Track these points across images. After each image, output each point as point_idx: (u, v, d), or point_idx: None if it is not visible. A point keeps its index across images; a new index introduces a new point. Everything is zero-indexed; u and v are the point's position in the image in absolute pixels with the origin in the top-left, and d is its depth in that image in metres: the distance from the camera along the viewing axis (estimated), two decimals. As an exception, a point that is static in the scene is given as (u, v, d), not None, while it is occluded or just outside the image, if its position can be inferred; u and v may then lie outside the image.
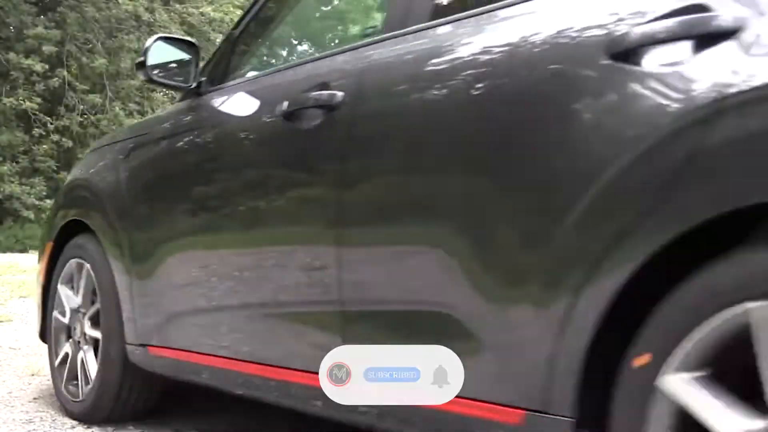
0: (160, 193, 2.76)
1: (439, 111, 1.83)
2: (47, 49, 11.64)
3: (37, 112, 12.03)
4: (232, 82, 2.61)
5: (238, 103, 2.50)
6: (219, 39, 11.16)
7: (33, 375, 3.89)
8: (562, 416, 1.49)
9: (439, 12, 1.97)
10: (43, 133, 12.18)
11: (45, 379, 3.72)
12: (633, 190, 1.41)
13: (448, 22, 1.91)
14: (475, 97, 1.76)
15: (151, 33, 13.21)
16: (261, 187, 2.32)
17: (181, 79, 2.68)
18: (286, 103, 2.19)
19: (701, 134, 1.32)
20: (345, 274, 1.95)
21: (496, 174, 1.68)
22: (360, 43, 2.18)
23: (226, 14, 13.31)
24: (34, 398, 3.38)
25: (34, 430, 2.89)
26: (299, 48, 2.86)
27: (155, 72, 2.65)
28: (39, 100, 11.96)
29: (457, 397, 1.66)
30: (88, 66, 12.25)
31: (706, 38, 1.35)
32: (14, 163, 12.28)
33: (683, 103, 1.35)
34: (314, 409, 2.01)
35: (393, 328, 1.88)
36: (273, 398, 2.21)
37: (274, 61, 2.82)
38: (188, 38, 2.94)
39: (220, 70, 2.70)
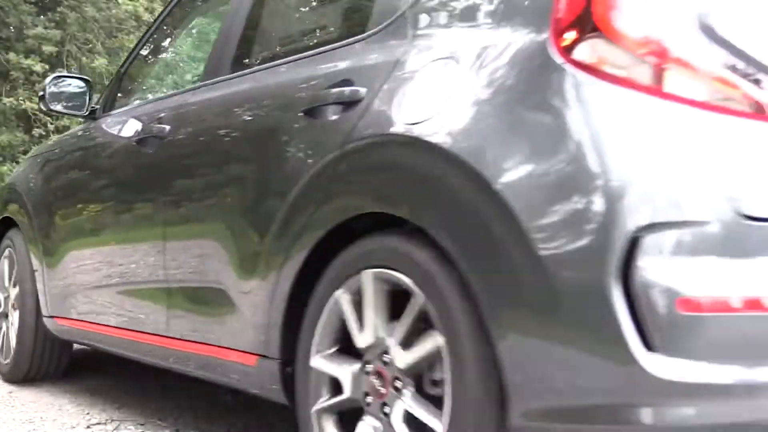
0: (59, 199, 3.57)
1: (214, 142, 2.70)
2: (47, 49, 11.89)
3: (37, 112, 12.21)
4: (116, 110, 3.42)
5: (115, 128, 3.31)
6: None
7: (33, 375, 4.01)
8: (275, 358, 2.28)
9: (235, 68, 2.81)
10: (43, 133, 12.42)
11: (45, 379, 3.88)
12: (306, 201, 2.19)
13: (234, 77, 2.75)
14: (234, 133, 2.61)
15: (151, 33, 13.37)
16: (121, 197, 3.17)
17: (78, 108, 3.53)
18: (138, 130, 3.07)
19: (337, 165, 2.13)
20: (168, 262, 2.75)
21: (243, 190, 2.50)
22: (187, 88, 3.10)
23: (226, 14, 13.43)
24: (34, 398, 3.52)
25: (34, 430, 3.04)
26: (166, 83, 3.69)
27: (53, 103, 3.50)
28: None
29: (219, 346, 2.49)
30: (88, 66, 12.44)
31: (348, 103, 2.15)
32: (14, 163, 12.51)
33: (332, 145, 2.14)
34: (149, 359, 2.99)
35: (194, 299, 2.68)
36: (131, 354, 3.11)
37: (148, 95, 3.71)
38: (82, 76, 3.95)
39: (110, 99, 3.52)
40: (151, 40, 3.58)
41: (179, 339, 2.71)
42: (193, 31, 3.77)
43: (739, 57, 1.79)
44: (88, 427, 3.08)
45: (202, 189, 2.70)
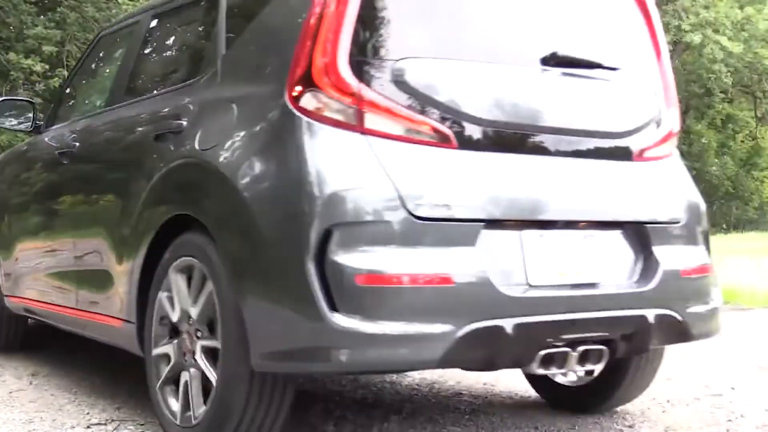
0: (10, 200, 4.46)
1: (101, 157, 3.59)
2: (47, 49, 11.96)
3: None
4: (55, 126, 4.28)
5: (50, 141, 4.14)
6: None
7: (33, 375, 4.07)
8: (133, 322, 3.05)
9: (124, 99, 3.61)
10: (43, 133, 12.38)
11: (45, 379, 3.94)
12: (147, 205, 2.98)
13: (121, 106, 3.58)
14: (113, 151, 3.49)
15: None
16: (49, 200, 3.98)
17: (25, 123, 4.40)
18: (57, 146, 3.93)
19: (164, 179, 2.93)
20: (77, 251, 3.60)
21: (117, 196, 3.29)
22: (94, 112, 3.93)
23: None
24: (34, 398, 3.57)
25: (34, 430, 3.09)
26: (87, 105, 4.51)
27: (1, 121, 4.36)
28: (39, 100, 12.24)
29: (97, 313, 3.35)
30: (88, 66, 12.42)
31: (176, 132, 2.93)
32: (14, 163, 12.49)
33: (163, 163, 2.95)
34: (70, 328, 3.80)
35: (92, 280, 3.47)
36: (59, 324, 3.90)
37: (76, 114, 4.38)
38: (25, 98, 4.90)
39: (52, 116, 4.41)
40: (82, 66, 4.50)
41: (84, 311, 3.52)
42: (114, 61, 4.39)
43: (428, 101, 2.53)
44: (88, 427, 3.09)
45: (93, 195, 3.57)
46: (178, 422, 2.80)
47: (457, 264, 2.41)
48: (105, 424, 3.14)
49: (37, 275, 4.04)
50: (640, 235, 2.83)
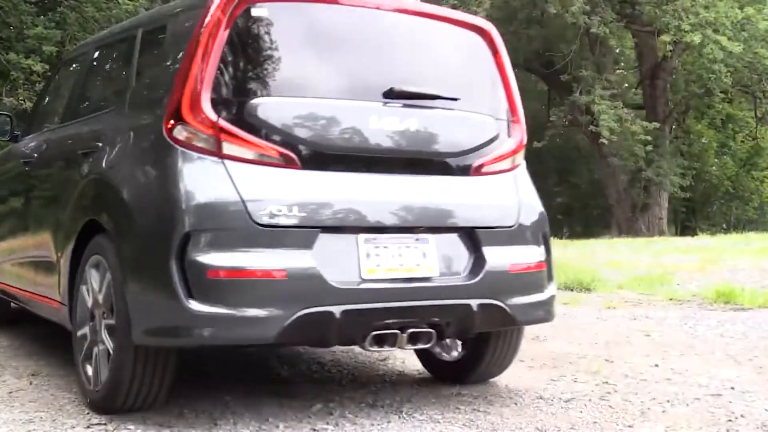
0: None
1: (47, 167, 4.26)
2: (47, 49, 11.95)
3: (37, 112, 12.20)
4: (28, 136, 4.90)
5: (24, 149, 4.82)
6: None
7: (33, 375, 4.08)
8: (66, 305, 3.68)
9: (71, 117, 4.26)
10: (43, 133, 12.36)
11: (45, 379, 3.94)
12: (74, 209, 3.60)
13: (67, 124, 4.23)
14: (56, 161, 4.13)
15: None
16: (17, 202, 4.65)
17: (2, 133, 5.12)
18: (24, 154, 4.60)
19: (83, 188, 3.60)
20: (35, 245, 4.25)
21: (57, 199, 3.87)
22: (54, 126, 4.51)
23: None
24: (34, 398, 3.57)
25: (34, 430, 3.11)
26: (51, 121, 4.96)
27: None
28: (39, 100, 12.18)
29: (48, 297, 3.96)
30: (88, 66, 12.41)
31: (94, 151, 3.65)
32: (14, 163, 12.48)
33: (84, 175, 3.63)
34: (31, 309, 4.43)
35: (44, 269, 4.07)
36: (26, 306, 4.59)
37: (44, 126, 5.00)
38: (4, 112, 5.41)
39: (27, 128, 5.04)
40: (50, 85, 5.22)
41: (40, 294, 4.15)
42: (69, 83, 4.88)
43: (277, 132, 3.12)
44: (88, 427, 3.09)
45: (44, 197, 4.29)
46: (90, 387, 3.38)
47: (292, 262, 3.01)
48: (105, 424, 3.15)
49: (9, 264, 4.83)
50: (472, 238, 3.39)
